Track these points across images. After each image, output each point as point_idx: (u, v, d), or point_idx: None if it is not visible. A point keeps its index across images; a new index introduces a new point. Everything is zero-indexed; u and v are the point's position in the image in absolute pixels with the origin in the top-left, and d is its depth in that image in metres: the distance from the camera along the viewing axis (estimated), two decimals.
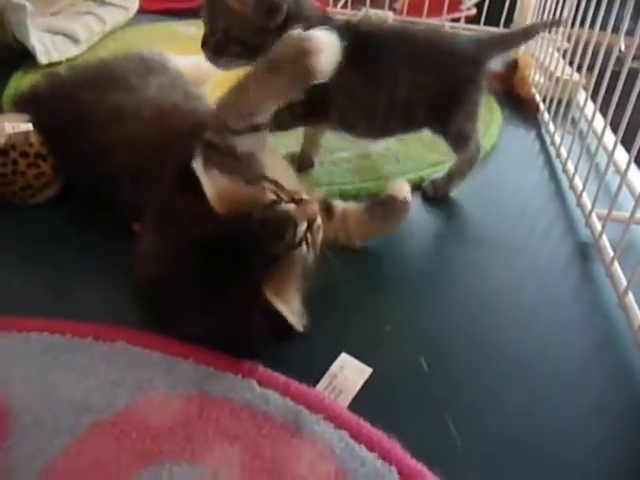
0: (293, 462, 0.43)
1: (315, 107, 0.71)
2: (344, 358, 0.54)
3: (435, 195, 0.82)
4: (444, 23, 1.65)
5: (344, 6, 1.69)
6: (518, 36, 0.84)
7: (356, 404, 0.50)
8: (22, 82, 1.03)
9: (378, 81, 0.72)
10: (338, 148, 0.89)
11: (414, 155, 0.90)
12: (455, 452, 0.47)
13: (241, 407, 0.47)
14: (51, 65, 1.08)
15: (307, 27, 0.61)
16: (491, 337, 0.60)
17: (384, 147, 0.89)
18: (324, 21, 0.70)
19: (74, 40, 1.15)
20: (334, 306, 0.61)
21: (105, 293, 0.59)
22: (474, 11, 1.72)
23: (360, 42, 0.69)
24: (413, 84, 0.72)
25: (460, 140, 0.78)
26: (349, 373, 0.53)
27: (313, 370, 0.52)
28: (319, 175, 0.82)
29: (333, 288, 0.61)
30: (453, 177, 0.82)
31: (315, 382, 0.51)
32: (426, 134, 0.91)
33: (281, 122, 0.70)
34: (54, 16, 1.22)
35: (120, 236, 0.56)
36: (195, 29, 0.71)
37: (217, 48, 0.68)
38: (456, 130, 0.77)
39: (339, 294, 0.61)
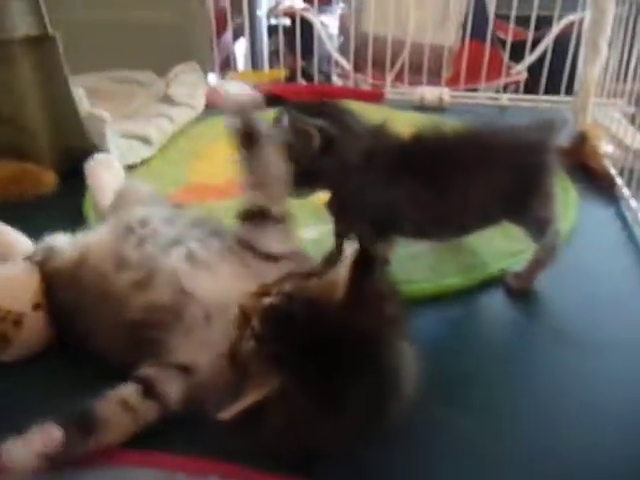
0: None
1: (386, 226, 0.72)
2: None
3: (519, 288, 0.79)
4: (501, 95, 1.65)
5: (397, 78, 1.74)
6: None
7: None
8: None
9: (447, 189, 0.70)
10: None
11: (493, 245, 0.87)
12: None
13: None
14: (127, 168, 1.14)
15: (357, 146, 0.67)
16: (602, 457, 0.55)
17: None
18: (377, 137, 0.71)
19: (147, 142, 1.21)
20: (415, 434, 0.57)
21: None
22: (524, 75, 1.72)
23: (423, 153, 0.71)
24: (484, 184, 0.71)
25: (539, 227, 0.76)
26: None
27: None
28: (396, 273, 0.80)
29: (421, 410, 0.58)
30: (536, 267, 0.79)
31: None
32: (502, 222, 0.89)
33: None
34: (128, 119, 1.29)
35: None
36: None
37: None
38: (535, 218, 0.75)
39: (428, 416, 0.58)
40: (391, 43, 1.69)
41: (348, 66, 1.83)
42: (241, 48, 2.33)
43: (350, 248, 0.48)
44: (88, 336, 0.60)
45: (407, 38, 1.71)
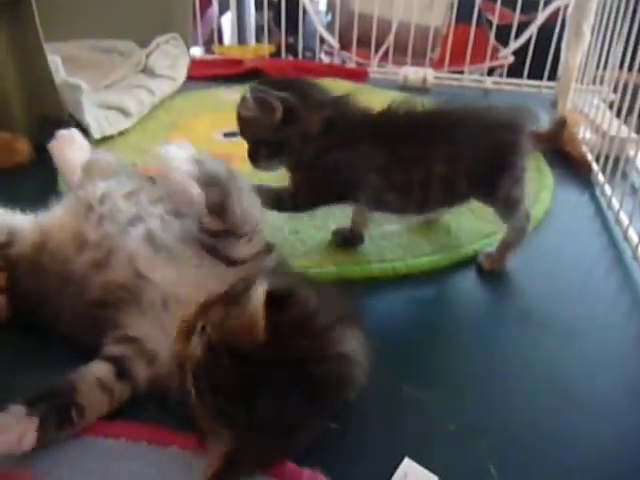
0: None
1: (343, 188, 0.73)
2: (408, 464, 0.51)
3: (492, 269, 0.80)
4: (485, 78, 1.65)
5: (383, 58, 1.73)
6: None
7: None
8: None
9: (409, 159, 0.71)
10: (387, 220, 0.88)
11: (466, 227, 0.87)
12: None
13: None
14: (104, 139, 1.12)
15: (319, 116, 0.70)
16: (567, 434, 0.56)
17: (434, 219, 0.88)
18: (339, 107, 0.73)
19: (126, 113, 1.19)
20: (392, 406, 0.58)
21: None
22: (512, 59, 1.72)
23: (388, 124, 0.73)
24: (450, 158, 0.71)
25: (509, 207, 0.76)
26: None
27: (376, 477, 0.50)
28: (368, 251, 0.81)
29: (390, 386, 0.59)
30: (507, 248, 0.80)
31: None
32: (476, 204, 0.89)
33: (305, 204, 0.75)
34: (107, 89, 1.27)
35: None
36: (239, 95, 0.73)
37: (251, 155, 0.73)
38: (504, 197, 0.75)
39: (396, 391, 0.59)
40: (378, 22, 1.67)
41: (334, 43, 1.81)
42: (228, 22, 2.30)
43: (260, 287, 0.46)
44: (55, 318, 0.60)
45: (394, 17, 1.69)
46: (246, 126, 0.73)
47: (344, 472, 0.49)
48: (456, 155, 0.71)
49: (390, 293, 0.76)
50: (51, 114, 1.10)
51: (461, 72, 1.66)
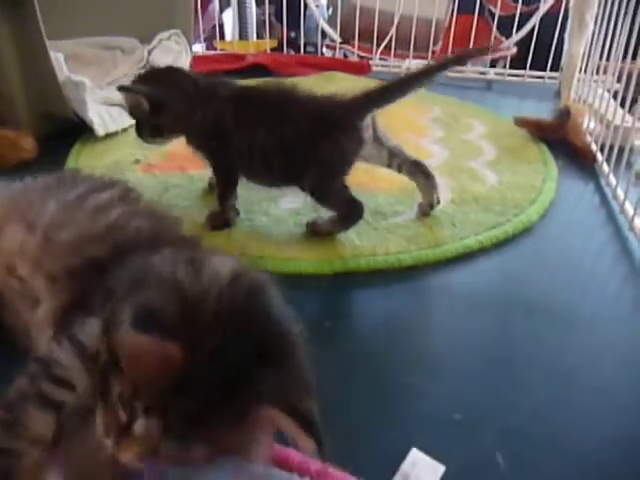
0: None
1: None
2: (415, 455, 0.51)
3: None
4: (488, 70, 1.65)
5: (385, 52, 1.72)
6: (393, 90, 0.79)
7: None
8: (82, 153, 1.08)
9: (246, 128, 0.79)
10: (393, 213, 0.88)
11: (471, 218, 0.87)
12: None
13: None
14: (108, 135, 1.13)
15: (186, 98, 0.81)
16: (574, 423, 0.56)
17: (440, 211, 0.88)
18: (200, 88, 0.83)
19: None
20: (398, 396, 0.59)
21: None
22: (514, 50, 1.71)
23: (239, 100, 0.82)
24: (268, 132, 0.77)
25: (319, 198, 0.79)
26: (421, 472, 0.50)
27: (383, 468, 0.50)
28: (374, 243, 0.81)
29: (395, 377, 0.60)
30: (333, 227, 0.82)
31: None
32: (481, 194, 0.90)
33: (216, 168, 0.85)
34: (110, 86, 1.27)
35: None
36: None
37: (139, 134, 0.86)
38: (311, 188, 0.78)
39: (402, 382, 0.59)
40: (379, 15, 1.66)
41: (336, 37, 1.81)
42: (229, 18, 2.29)
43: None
44: None
45: (396, 10, 1.68)
46: (130, 114, 0.87)
47: (351, 463, 0.49)
48: (272, 130, 0.77)
49: (395, 284, 0.76)
50: (55, 111, 1.10)
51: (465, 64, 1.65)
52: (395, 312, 0.72)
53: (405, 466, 0.50)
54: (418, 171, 0.86)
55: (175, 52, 1.45)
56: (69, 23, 1.42)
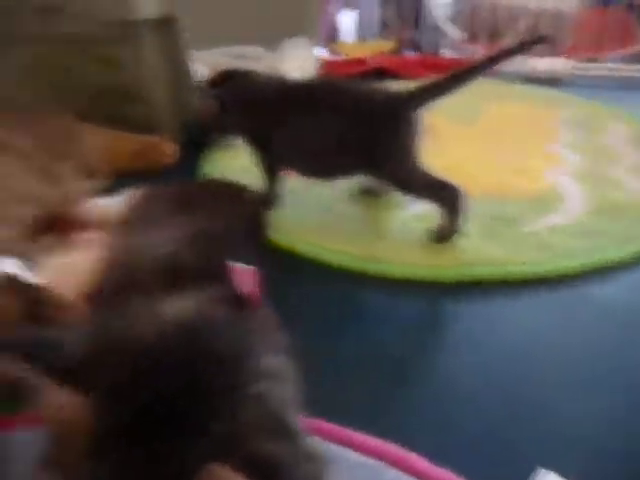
0: None
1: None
2: (543, 474, 0.50)
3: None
4: (622, 67, 1.53)
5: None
6: (446, 84, 0.78)
7: None
8: (215, 158, 1.16)
9: (312, 126, 0.81)
10: (523, 221, 0.86)
11: (604, 228, 0.82)
12: None
13: None
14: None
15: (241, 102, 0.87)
16: None
17: (574, 219, 0.84)
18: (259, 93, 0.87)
19: None
20: (526, 411, 0.57)
21: None
22: None
23: (296, 95, 0.85)
24: (337, 130, 0.79)
25: (402, 187, 0.81)
26: None
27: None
28: (503, 252, 0.79)
29: (519, 390, 0.58)
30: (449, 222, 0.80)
31: None
32: (621, 203, 0.84)
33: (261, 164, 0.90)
34: None
35: None
36: None
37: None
38: (392, 178, 0.80)
39: (529, 397, 0.58)
40: (507, 11, 1.61)
41: (459, 36, 1.77)
42: (348, 19, 2.33)
43: None
44: None
45: (527, 4, 1.61)
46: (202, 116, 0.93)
47: (484, 476, 0.49)
48: (340, 127, 0.79)
49: (524, 295, 0.74)
50: (193, 119, 1.19)
51: (596, 60, 1.55)
52: (525, 324, 0.70)
53: None
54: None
55: (300, 59, 1.51)
56: (202, 35, 1.53)
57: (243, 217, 0.71)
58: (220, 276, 0.47)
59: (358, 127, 0.78)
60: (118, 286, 0.49)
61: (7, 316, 0.61)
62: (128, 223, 0.63)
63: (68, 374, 0.35)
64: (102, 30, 1.04)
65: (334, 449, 0.51)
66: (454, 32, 1.79)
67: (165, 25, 1.07)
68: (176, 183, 0.76)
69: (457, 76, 0.78)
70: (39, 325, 0.60)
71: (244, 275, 0.47)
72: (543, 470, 0.50)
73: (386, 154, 0.79)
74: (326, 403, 0.50)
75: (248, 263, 0.56)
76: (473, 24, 1.70)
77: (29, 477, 0.42)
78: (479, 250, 0.79)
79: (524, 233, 0.83)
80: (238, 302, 0.45)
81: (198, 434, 0.34)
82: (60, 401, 0.35)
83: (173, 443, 0.33)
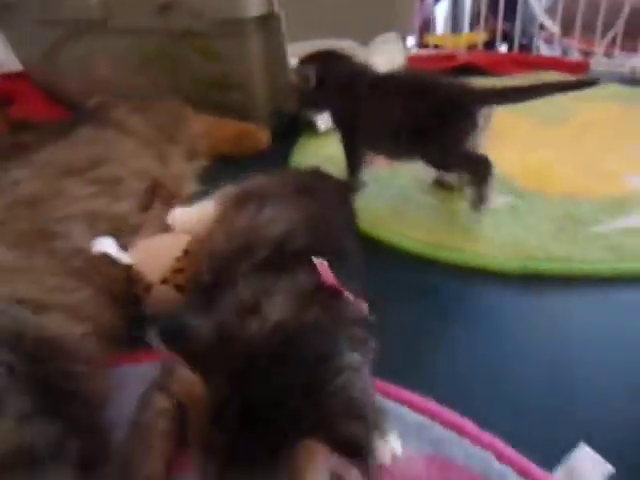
0: None
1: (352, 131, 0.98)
2: (585, 451, 0.55)
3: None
4: None
5: (610, 46, 1.61)
6: (522, 93, 0.84)
7: None
8: (305, 146, 1.25)
9: (381, 107, 0.90)
10: (595, 221, 0.88)
11: None
12: None
13: (478, 476, 0.52)
14: (327, 132, 1.28)
15: (339, 81, 0.96)
16: None
17: None
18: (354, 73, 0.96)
19: None
20: (573, 373, 0.63)
21: None
22: None
23: (385, 81, 0.94)
24: (401, 109, 0.88)
25: (443, 167, 0.92)
26: (588, 468, 0.53)
27: (550, 456, 0.54)
28: (571, 250, 0.82)
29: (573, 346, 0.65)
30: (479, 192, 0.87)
31: (550, 468, 0.53)
32: None
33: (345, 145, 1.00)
34: None
35: None
36: None
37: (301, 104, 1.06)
38: (433, 159, 0.90)
39: (579, 357, 0.64)
40: (606, 4, 1.57)
41: (555, 29, 1.74)
42: (442, 10, 2.33)
43: None
44: None
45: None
46: (294, 89, 1.01)
47: (518, 441, 0.55)
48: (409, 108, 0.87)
49: (589, 295, 0.77)
50: (285, 108, 1.29)
51: None
52: (587, 323, 0.73)
53: (573, 459, 0.54)
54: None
55: (390, 53, 1.56)
56: (297, 28, 1.62)
57: (344, 204, 0.80)
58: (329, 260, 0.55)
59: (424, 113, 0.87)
60: (229, 259, 0.60)
61: (118, 287, 0.73)
62: (241, 201, 0.73)
63: (194, 358, 0.44)
64: (212, 26, 1.16)
65: (392, 406, 0.59)
66: (549, 24, 1.76)
67: (268, 22, 1.16)
68: (275, 170, 0.86)
69: (533, 90, 0.84)
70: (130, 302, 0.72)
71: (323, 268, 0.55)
72: (585, 447, 0.55)
73: (437, 139, 0.87)
74: (392, 367, 0.59)
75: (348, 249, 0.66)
76: (569, 17, 1.67)
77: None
78: (546, 246, 0.83)
79: (594, 233, 0.85)
80: (331, 293, 0.54)
81: (295, 419, 0.42)
82: (188, 378, 0.44)
83: (276, 423, 0.42)
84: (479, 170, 0.86)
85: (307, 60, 1.00)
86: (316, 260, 0.55)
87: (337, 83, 0.96)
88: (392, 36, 1.58)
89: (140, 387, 0.58)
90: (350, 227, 0.79)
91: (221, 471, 0.42)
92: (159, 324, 0.46)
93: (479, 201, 0.87)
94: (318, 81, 0.96)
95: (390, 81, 0.94)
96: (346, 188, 0.92)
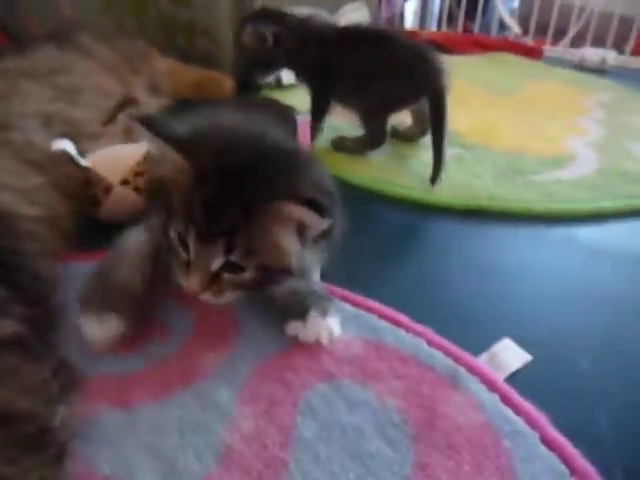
0: (447, 405, 0.51)
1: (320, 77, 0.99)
2: (507, 343, 0.60)
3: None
4: None
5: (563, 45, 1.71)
6: None
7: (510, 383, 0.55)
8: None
9: (347, 57, 0.94)
10: (533, 172, 0.94)
11: (613, 186, 0.91)
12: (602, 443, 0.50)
13: (409, 357, 0.56)
14: (290, 86, 1.31)
15: (295, 36, 0.97)
16: None
17: (583, 176, 0.91)
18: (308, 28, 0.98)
19: None
20: (504, 287, 0.69)
21: None
22: None
23: (343, 36, 0.97)
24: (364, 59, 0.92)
25: (366, 121, 0.96)
26: (509, 355, 0.58)
27: (477, 346, 0.59)
28: (509, 192, 0.87)
29: (506, 267, 0.71)
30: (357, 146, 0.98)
31: (476, 355, 0.58)
32: (631, 169, 0.91)
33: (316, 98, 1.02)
34: None
35: None
36: None
37: (252, 71, 1.05)
38: (366, 110, 0.95)
39: (511, 275, 0.70)
40: (561, 8, 1.67)
41: (515, 28, 1.83)
42: (411, 7, 2.40)
43: None
44: None
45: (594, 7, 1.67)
46: (247, 51, 1.00)
47: (449, 333, 0.59)
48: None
49: (523, 231, 0.83)
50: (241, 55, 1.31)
51: None
52: (518, 254, 0.78)
53: (495, 348, 0.59)
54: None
55: (358, 21, 1.60)
56: None
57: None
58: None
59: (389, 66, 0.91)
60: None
61: (73, 185, 0.74)
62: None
63: (178, 143, 0.53)
64: None
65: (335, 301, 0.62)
66: (511, 22, 1.85)
67: None
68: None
69: None
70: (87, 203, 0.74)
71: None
72: (507, 339, 0.60)
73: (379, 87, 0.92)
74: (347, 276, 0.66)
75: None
76: (528, 20, 1.76)
77: None
78: (487, 188, 0.88)
79: (531, 180, 0.91)
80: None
81: (268, 184, 0.51)
82: (174, 157, 0.52)
83: (249, 185, 0.51)
84: (377, 139, 0.96)
85: (250, 20, 1.01)
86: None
87: (301, 38, 0.97)
88: (358, 4, 1.63)
89: None
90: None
91: (200, 226, 0.50)
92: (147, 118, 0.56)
93: (353, 150, 0.98)
94: (275, 40, 0.97)
95: (357, 31, 0.98)
96: (292, 110, 0.95)
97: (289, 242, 0.53)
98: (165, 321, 0.61)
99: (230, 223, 0.50)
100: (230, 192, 0.50)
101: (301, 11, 1.58)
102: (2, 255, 0.58)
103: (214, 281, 0.53)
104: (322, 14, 1.66)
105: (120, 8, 1.31)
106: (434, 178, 0.86)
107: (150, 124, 0.53)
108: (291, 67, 1.03)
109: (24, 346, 0.51)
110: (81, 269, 0.63)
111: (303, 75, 1.02)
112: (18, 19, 1.44)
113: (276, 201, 0.50)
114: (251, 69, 1.03)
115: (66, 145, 0.73)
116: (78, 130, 0.79)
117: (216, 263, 0.52)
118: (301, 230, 0.53)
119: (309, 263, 0.59)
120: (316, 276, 0.63)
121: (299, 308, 0.57)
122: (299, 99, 1.03)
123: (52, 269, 0.64)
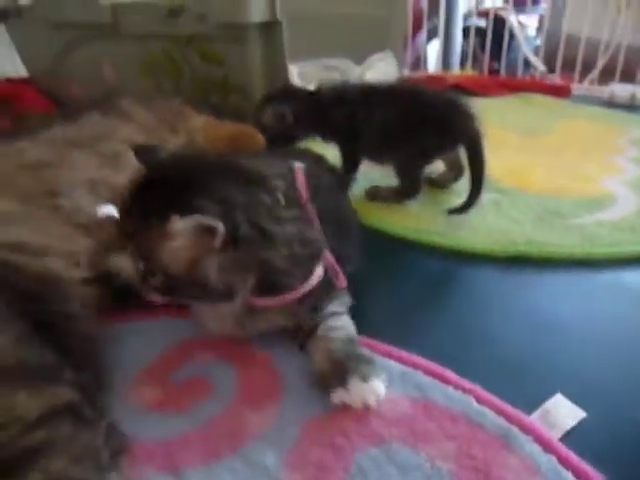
0: (501, 467, 0.49)
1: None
2: (559, 398, 0.58)
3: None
4: None
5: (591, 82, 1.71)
6: None
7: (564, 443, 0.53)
8: None
9: (374, 113, 0.94)
10: (572, 215, 0.93)
11: None
12: None
13: (458, 415, 0.55)
14: None
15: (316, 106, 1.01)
16: None
17: (621, 219, 0.90)
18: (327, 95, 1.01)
19: None
20: (551, 338, 0.67)
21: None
22: None
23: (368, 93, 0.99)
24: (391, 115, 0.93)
25: (404, 173, 0.97)
26: (562, 412, 0.56)
27: (528, 403, 0.57)
28: (549, 236, 0.86)
29: (549, 316, 0.69)
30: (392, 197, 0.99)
31: (529, 413, 0.56)
32: None
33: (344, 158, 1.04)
34: None
35: None
36: None
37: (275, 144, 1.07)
38: (403, 163, 0.97)
39: (555, 325, 0.68)
40: (587, 44, 1.67)
41: (540, 66, 1.84)
42: (434, 49, 2.45)
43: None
44: None
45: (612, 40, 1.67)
46: (268, 129, 1.06)
47: (504, 391, 0.58)
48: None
49: (563, 276, 0.81)
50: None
51: None
52: (561, 302, 0.76)
53: (548, 404, 0.57)
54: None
55: (385, 72, 1.64)
56: (295, 47, 1.70)
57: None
58: None
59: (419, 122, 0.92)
60: None
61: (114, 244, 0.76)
62: None
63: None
64: (216, 30, 1.22)
65: (378, 359, 0.62)
66: (535, 61, 1.87)
67: (270, 28, 1.23)
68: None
69: None
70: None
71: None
72: (560, 395, 0.58)
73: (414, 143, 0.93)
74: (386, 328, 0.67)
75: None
76: (554, 57, 1.77)
77: None
78: (525, 233, 0.88)
79: (570, 224, 0.90)
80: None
81: (167, 194, 0.55)
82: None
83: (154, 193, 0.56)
84: (412, 191, 0.97)
85: (267, 101, 1.06)
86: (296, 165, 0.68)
87: (320, 107, 1.00)
88: (386, 54, 1.67)
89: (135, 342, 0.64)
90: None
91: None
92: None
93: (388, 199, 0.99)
94: (294, 116, 1.01)
95: (380, 89, 1.00)
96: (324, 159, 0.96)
97: (184, 253, 0.54)
98: (207, 377, 0.61)
99: (131, 228, 0.56)
100: (139, 200, 0.56)
101: (320, 76, 1.64)
102: (52, 319, 0.60)
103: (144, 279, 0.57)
104: (348, 65, 1.72)
105: (158, 71, 1.37)
106: (461, 210, 0.90)
107: (138, 151, 0.61)
108: (316, 134, 1.05)
109: (77, 413, 0.51)
110: (125, 329, 0.64)
111: (330, 136, 1.03)
112: (62, 85, 1.52)
113: (169, 214, 0.53)
114: (273, 143, 1.07)
115: (111, 210, 0.76)
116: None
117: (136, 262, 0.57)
118: (205, 244, 0.54)
119: (235, 282, 0.58)
120: (344, 319, 0.64)
121: (338, 375, 0.56)
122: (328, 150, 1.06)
123: (99, 330, 0.65)
